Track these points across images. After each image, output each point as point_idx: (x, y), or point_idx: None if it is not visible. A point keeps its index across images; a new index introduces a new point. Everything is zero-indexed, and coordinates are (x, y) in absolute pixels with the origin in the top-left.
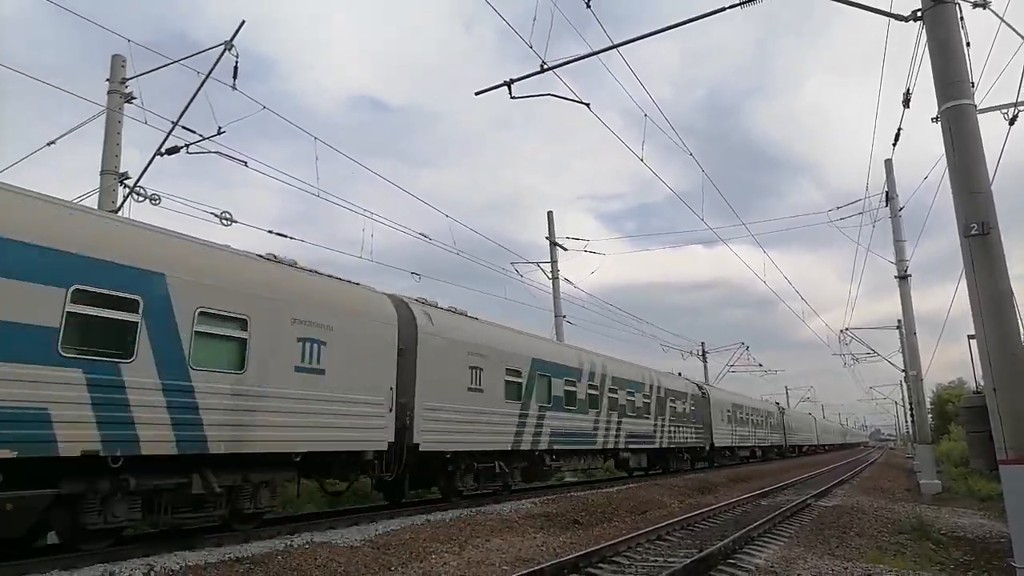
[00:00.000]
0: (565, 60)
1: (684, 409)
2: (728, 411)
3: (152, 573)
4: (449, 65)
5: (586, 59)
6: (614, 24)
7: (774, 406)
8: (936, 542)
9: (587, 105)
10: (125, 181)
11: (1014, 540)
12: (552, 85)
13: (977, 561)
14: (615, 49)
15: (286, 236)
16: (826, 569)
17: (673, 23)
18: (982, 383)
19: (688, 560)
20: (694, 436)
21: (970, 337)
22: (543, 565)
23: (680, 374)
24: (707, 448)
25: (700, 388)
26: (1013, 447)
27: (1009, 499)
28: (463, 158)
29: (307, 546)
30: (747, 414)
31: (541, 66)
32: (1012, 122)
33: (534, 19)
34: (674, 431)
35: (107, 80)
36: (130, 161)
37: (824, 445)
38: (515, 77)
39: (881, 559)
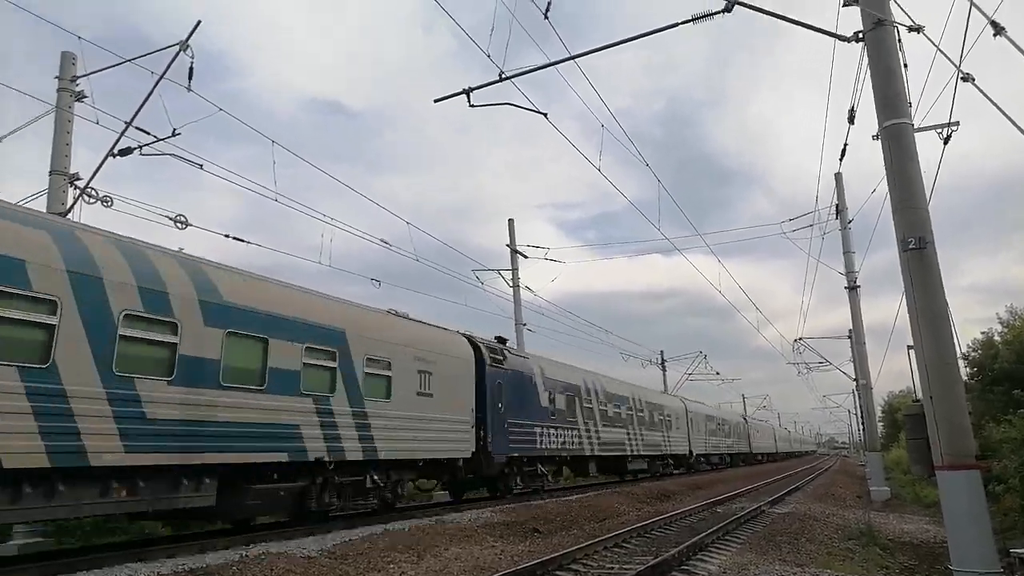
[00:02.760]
0: (523, 70)
1: (676, 422)
2: (705, 423)
3: None
4: (410, 70)
5: (546, 69)
6: (575, 33)
7: (740, 418)
8: (883, 547)
9: (545, 115)
10: (76, 182)
11: (950, 543)
12: (512, 94)
13: (920, 565)
14: (572, 60)
15: (243, 240)
16: (776, 574)
17: (631, 36)
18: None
19: (642, 567)
20: (680, 445)
21: (909, 347)
22: (501, 573)
23: (675, 393)
24: (689, 455)
25: (683, 403)
26: (948, 453)
27: (945, 503)
28: (424, 164)
29: (263, 556)
30: (720, 425)
31: (500, 75)
32: (947, 141)
33: (492, 28)
34: (672, 441)
35: (57, 77)
36: (81, 162)
37: (782, 453)
38: (474, 86)
39: (830, 564)
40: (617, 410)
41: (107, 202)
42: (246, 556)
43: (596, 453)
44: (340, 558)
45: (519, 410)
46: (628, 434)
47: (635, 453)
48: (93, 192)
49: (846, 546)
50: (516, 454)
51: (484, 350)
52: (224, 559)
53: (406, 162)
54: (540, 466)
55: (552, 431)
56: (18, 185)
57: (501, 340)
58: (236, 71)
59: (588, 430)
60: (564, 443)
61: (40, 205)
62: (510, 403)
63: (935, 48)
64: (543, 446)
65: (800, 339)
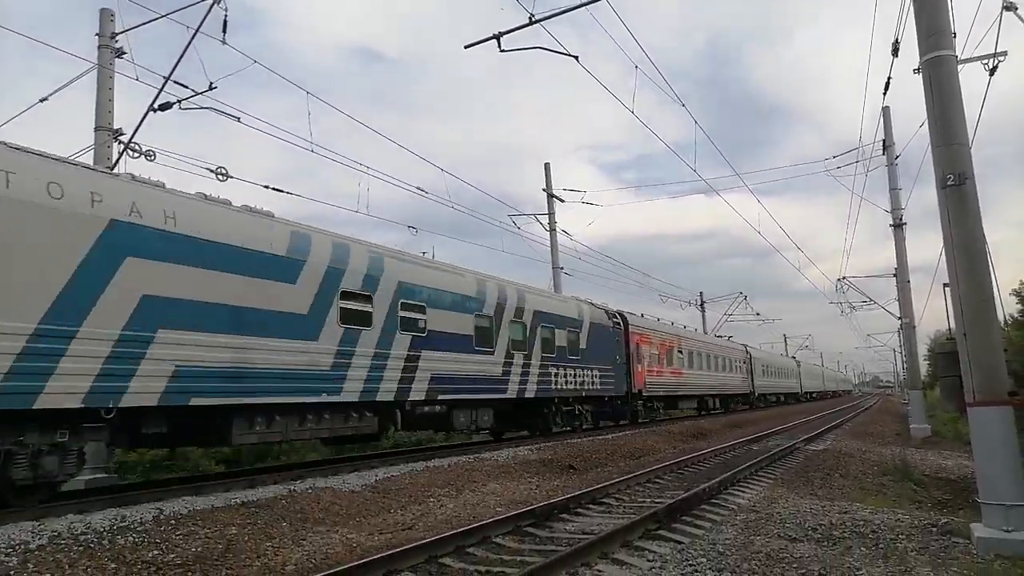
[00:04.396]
0: (554, 12)
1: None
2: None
3: (161, 516)
4: (442, 13)
5: (580, 9)
6: None
7: (739, 347)
8: (917, 482)
9: (576, 58)
10: (119, 137)
11: (979, 477)
12: (546, 37)
13: (955, 500)
14: (604, 0)
15: (282, 191)
16: (805, 507)
17: None
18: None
19: (672, 500)
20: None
21: (945, 286)
22: (534, 505)
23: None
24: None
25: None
26: (980, 390)
27: (975, 439)
28: (459, 109)
29: (310, 491)
30: (557, 330)
31: (530, 18)
32: (992, 72)
33: None
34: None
35: (96, 35)
36: (123, 117)
37: (773, 394)
38: (504, 30)
39: (862, 499)
40: None
41: (150, 156)
42: (294, 491)
43: None
44: (382, 492)
45: None
46: None
47: None
48: (136, 147)
49: (880, 481)
50: None
51: None
52: (274, 493)
53: (443, 109)
54: None
55: None
56: (64, 141)
57: None
58: (275, 20)
59: None
60: None
61: (87, 160)
62: None
63: None
64: None
65: (843, 278)
